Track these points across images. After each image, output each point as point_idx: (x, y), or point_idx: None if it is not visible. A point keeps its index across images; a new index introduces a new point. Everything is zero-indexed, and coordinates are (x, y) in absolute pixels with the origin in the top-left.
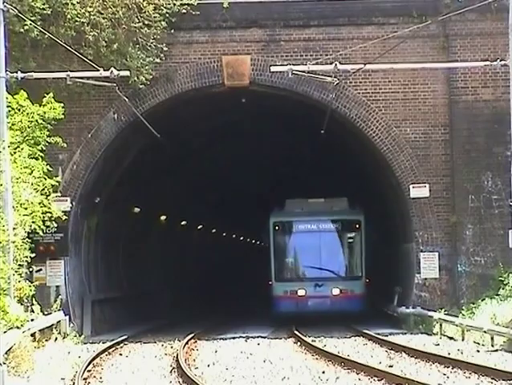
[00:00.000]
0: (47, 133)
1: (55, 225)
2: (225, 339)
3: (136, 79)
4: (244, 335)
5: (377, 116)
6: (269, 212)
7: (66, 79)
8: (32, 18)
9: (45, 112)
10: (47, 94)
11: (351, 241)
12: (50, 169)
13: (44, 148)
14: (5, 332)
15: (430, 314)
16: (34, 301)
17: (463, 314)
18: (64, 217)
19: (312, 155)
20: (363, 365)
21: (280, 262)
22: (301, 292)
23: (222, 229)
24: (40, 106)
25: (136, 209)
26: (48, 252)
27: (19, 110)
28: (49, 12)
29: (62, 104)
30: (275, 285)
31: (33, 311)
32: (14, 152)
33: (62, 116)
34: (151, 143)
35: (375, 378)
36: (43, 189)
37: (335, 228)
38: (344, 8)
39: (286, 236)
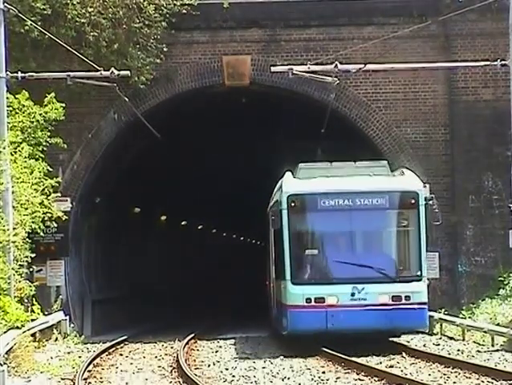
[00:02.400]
0: (48, 134)
1: (56, 225)
2: (226, 339)
3: (136, 79)
4: (244, 335)
5: (377, 116)
6: (277, 183)
7: (66, 79)
8: (32, 19)
9: (46, 112)
10: (48, 94)
11: (404, 223)
12: (51, 169)
13: (44, 148)
14: (5, 332)
15: (430, 313)
16: (35, 302)
17: (463, 314)
18: (64, 217)
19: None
20: (363, 365)
21: (298, 256)
22: (331, 300)
23: (222, 229)
24: (41, 106)
25: (136, 209)
26: (48, 252)
27: (20, 110)
28: (49, 12)
29: (63, 104)
30: (291, 289)
31: (33, 311)
32: (15, 152)
33: (63, 117)
34: (151, 143)
35: (376, 379)
36: (44, 189)
37: (381, 205)
38: (345, 8)
39: (308, 216)
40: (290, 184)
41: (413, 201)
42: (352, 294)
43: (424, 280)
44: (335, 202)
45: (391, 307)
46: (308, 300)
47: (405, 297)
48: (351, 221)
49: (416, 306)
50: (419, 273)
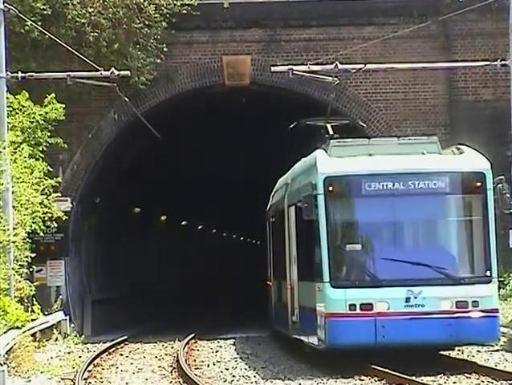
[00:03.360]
0: (48, 134)
1: (56, 225)
2: (226, 339)
3: (136, 79)
4: (245, 335)
5: (378, 116)
6: (288, 170)
7: (66, 79)
8: (33, 19)
9: (46, 113)
10: (48, 94)
11: (469, 211)
12: (51, 169)
13: (44, 148)
14: (5, 332)
15: None
16: (35, 302)
17: None
18: (64, 217)
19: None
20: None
21: (338, 252)
22: (381, 306)
23: (222, 229)
24: (41, 106)
25: (136, 209)
26: (48, 252)
27: (20, 110)
28: (49, 12)
29: (63, 105)
30: (330, 293)
31: (33, 311)
32: (15, 152)
33: (63, 117)
34: (151, 143)
35: (376, 379)
36: (44, 189)
37: (441, 189)
38: (345, 8)
39: (350, 203)
40: (326, 164)
41: (479, 184)
42: (407, 300)
43: (494, 281)
44: (383, 186)
45: (455, 315)
46: (352, 307)
47: (472, 302)
48: (403, 209)
49: (485, 314)
50: (488, 274)
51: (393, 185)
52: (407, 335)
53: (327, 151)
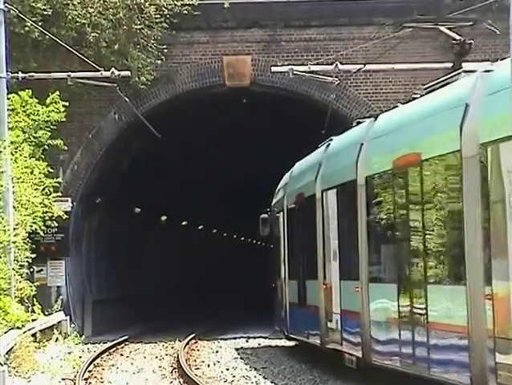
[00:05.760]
0: (48, 133)
1: (56, 225)
2: (226, 339)
3: (136, 79)
4: (245, 336)
5: None
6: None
7: (67, 79)
8: (33, 19)
9: (49, 112)
10: (48, 94)
11: None
12: (51, 169)
13: (45, 148)
14: (6, 332)
15: None
16: (35, 302)
17: None
18: (65, 217)
19: None
20: None
21: None
22: None
23: (223, 230)
24: (42, 107)
25: (137, 209)
26: (49, 252)
27: (23, 107)
28: (50, 13)
29: (66, 103)
30: None
31: (34, 311)
32: (15, 152)
33: (64, 118)
34: (151, 143)
35: (376, 379)
36: (44, 189)
37: None
38: (345, 8)
39: None
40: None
41: None
42: None
43: None
44: None
45: None
46: None
47: None
48: None
49: None
50: None
51: None
52: None
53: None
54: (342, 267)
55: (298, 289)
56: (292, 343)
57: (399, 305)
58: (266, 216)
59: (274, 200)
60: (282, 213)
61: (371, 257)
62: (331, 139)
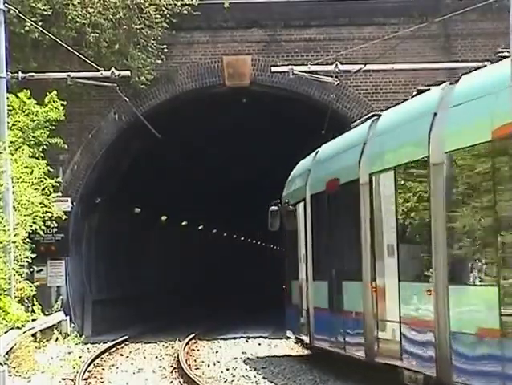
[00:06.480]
0: (48, 134)
1: (56, 225)
2: (226, 340)
3: (136, 79)
4: (245, 336)
5: None
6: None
7: (66, 79)
8: (33, 19)
9: (47, 111)
10: (48, 94)
11: None
12: (51, 169)
13: (45, 148)
14: (6, 332)
15: None
16: (35, 302)
17: None
18: (65, 217)
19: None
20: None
21: None
22: None
23: (223, 230)
24: (41, 106)
25: (137, 209)
26: (49, 252)
27: (22, 108)
28: (50, 13)
29: (64, 103)
30: None
31: (34, 311)
32: (15, 152)
33: (63, 117)
34: (151, 143)
35: (377, 380)
36: (44, 189)
37: None
38: (345, 8)
39: None
40: None
41: None
42: None
43: None
44: None
45: None
46: None
47: None
48: None
49: None
50: None
51: None
52: None
53: None
54: (402, 265)
55: (328, 292)
56: (307, 352)
57: (500, 314)
58: (275, 208)
59: (287, 191)
60: (301, 204)
61: (451, 252)
62: (378, 115)
